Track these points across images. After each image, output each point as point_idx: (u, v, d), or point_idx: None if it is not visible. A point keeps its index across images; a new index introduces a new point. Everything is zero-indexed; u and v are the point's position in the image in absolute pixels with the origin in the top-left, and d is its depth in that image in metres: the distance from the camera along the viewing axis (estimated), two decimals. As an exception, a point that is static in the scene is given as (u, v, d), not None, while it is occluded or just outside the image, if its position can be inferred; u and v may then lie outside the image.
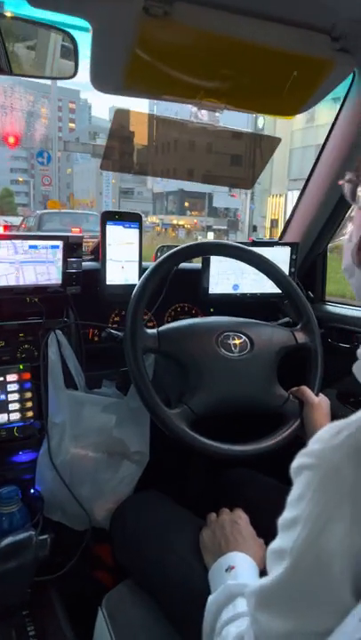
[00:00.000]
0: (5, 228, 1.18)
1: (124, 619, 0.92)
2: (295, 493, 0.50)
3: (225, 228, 32.08)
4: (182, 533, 0.99)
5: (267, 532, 0.61)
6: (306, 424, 1.08)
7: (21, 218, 15.58)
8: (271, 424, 1.09)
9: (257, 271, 1.21)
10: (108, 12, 0.95)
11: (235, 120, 1.42)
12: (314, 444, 0.50)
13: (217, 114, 1.18)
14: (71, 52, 1.00)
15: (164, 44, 1.04)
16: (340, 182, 0.63)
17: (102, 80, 1.14)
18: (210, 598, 0.75)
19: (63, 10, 0.96)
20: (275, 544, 0.53)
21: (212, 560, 0.87)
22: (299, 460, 0.51)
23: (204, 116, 1.17)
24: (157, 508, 1.09)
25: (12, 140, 21.55)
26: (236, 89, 1.15)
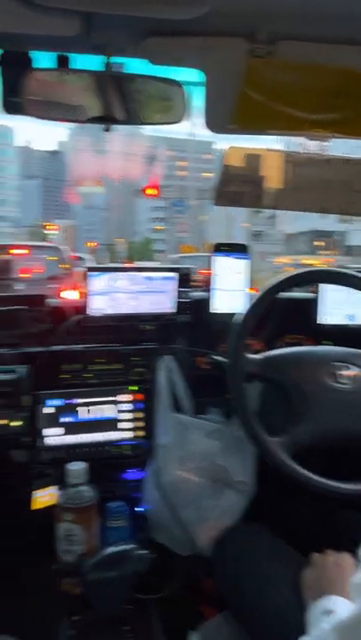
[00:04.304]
0: (125, 262, 1.31)
1: None
2: None
3: (361, 267, 30.49)
4: (283, 568, 0.97)
5: None
6: None
7: (158, 263, 16.57)
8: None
9: None
10: (220, 60, 1.04)
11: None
12: None
13: (325, 143, 1.19)
14: (178, 100, 1.10)
15: (271, 81, 1.10)
16: None
17: (216, 122, 1.22)
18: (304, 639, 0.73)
19: (182, 65, 1.07)
20: (358, 577, 0.50)
21: (313, 600, 0.84)
22: None
23: (311, 146, 1.18)
24: (260, 540, 1.07)
25: (153, 191, 23.26)
26: (343, 117, 1.15)
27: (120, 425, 1.24)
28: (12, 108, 0.99)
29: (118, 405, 1.25)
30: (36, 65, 1.01)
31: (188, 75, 1.12)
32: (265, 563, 0.99)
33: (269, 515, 1.21)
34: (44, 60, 1.01)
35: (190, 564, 1.19)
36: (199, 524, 1.20)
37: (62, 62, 1.03)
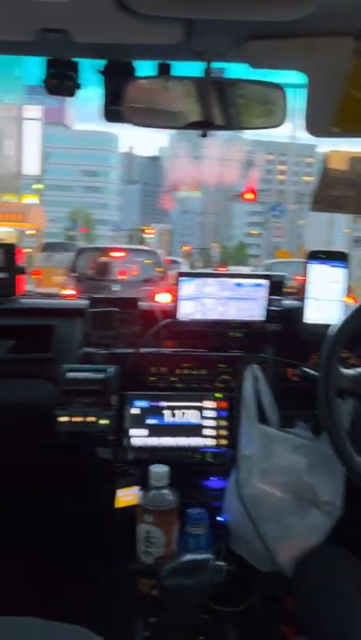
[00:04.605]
0: (219, 266, 1.30)
1: None
2: None
3: None
4: None
5: None
6: None
7: (251, 268, 16.37)
8: None
9: None
10: (323, 61, 1.00)
11: None
12: None
13: None
14: (279, 104, 1.07)
15: None
16: None
17: (318, 125, 1.18)
18: None
19: (282, 67, 1.05)
20: None
21: None
22: None
23: None
24: (344, 565, 1.02)
25: (250, 195, 23.13)
26: None
27: (204, 431, 1.24)
28: (114, 116, 1.03)
29: (203, 412, 1.24)
30: (137, 74, 1.03)
31: (287, 77, 1.10)
32: (349, 589, 0.95)
33: (356, 538, 1.14)
34: (145, 68, 1.03)
35: (270, 581, 1.15)
36: (281, 541, 1.15)
37: (163, 70, 1.05)
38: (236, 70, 1.08)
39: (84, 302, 1.38)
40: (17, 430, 1.33)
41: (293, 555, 1.11)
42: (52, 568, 1.41)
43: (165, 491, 1.13)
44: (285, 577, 1.12)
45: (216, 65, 1.05)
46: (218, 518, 1.23)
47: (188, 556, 1.05)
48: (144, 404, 1.24)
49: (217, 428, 1.24)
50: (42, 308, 1.46)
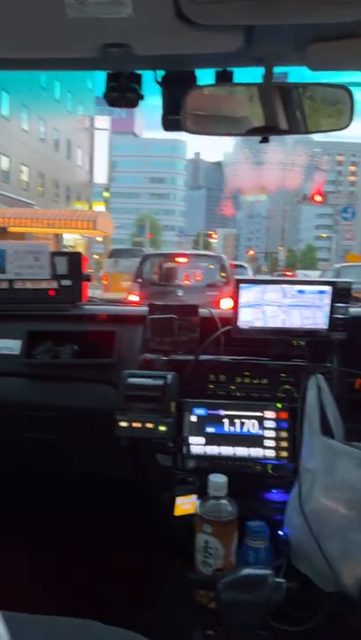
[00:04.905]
0: (286, 270, 1.27)
1: None
2: None
3: None
4: None
5: None
6: None
7: (320, 272, 15.92)
8: None
9: None
10: None
11: None
12: None
13: None
14: (346, 104, 1.03)
15: None
16: None
17: None
18: None
19: (343, 68, 1.01)
20: None
21: None
22: None
23: None
24: None
25: (318, 197, 22.59)
26: None
27: (264, 442, 1.21)
28: (172, 125, 1.03)
29: (264, 422, 1.21)
30: (197, 82, 1.03)
31: (349, 77, 1.06)
32: None
33: None
34: (203, 76, 1.03)
35: (334, 601, 1.09)
36: (345, 559, 1.10)
37: (223, 77, 1.04)
38: (295, 73, 1.06)
39: (144, 309, 1.40)
40: (78, 433, 1.37)
41: (359, 575, 1.06)
42: (110, 572, 1.43)
43: (224, 501, 1.11)
44: (351, 597, 1.07)
45: (278, 69, 1.03)
46: (279, 532, 1.19)
47: (247, 570, 1.02)
48: (203, 411, 1.23)
49: (278, 439, 1.20)
50: (104, 315, 1.50)
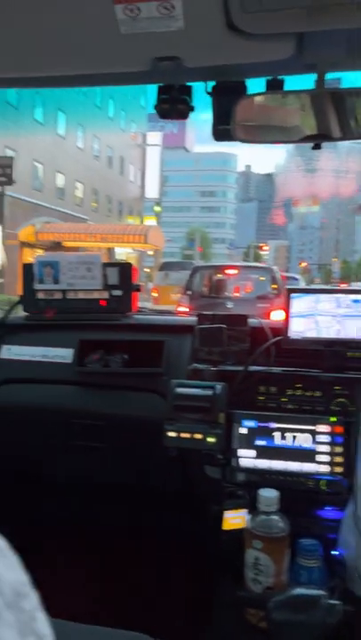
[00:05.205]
0: (340, 282, 1.24)
1: None
2: None
3: None
4: None
5: None
6: None
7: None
8: None
9: None
10: None
11: None
12: None
13: None
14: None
15: None
16: None
17: None
18: None
19: None
20: None
21: None
22: None
23: None
24: None
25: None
26: None
27: (317, 457, 1.16)
28: (223, 135, 1.03)
29: (316, 436, 1.17)
30: (247, 91, 1.03)
31: None
32: None
33: None
34: (254, 85, 1.02)
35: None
36: None
37: (274, 85, 1.03)
38: (349, 78, 1.04)
39: (193, 319, 1.40)
40: (127, 442, 1.37)
41: None
42: (156, 584, 1.42)
43: (275, 517, 1.08)
44: None
45: (331, 75, 1.01)
46: (333, 552, 1.14)
47: (300, 590, 0.98)
48: (253, 423, 1.21)
49: (332, 454, 1.16)
50: (153, 324, 1.51)
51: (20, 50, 0.97)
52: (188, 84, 1.04)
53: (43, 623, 0.22)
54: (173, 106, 1.04)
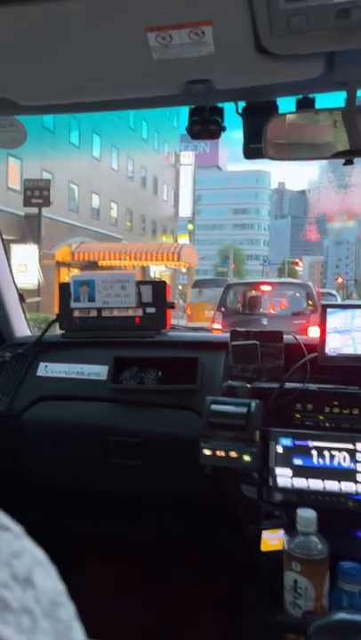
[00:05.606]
0: None
1: None
2: None
3: None
4: None
5: None
6: None
7: None
8: None
9: None
10: None
11: None
12: None
13: None
14: None
15: None
16: None
17: None
18: None
19: None
20: None
21: None
22: None
23: None
24: None
25: None
26: None
27: (358, 477, 1.13)
28: (253, 153, 1.04)
29: (356, 455, 1.14)
30: (278, 110, 1.04)
31: None
32: None
33: None
34: (285, 103, 1.03)
35: None
36: None
37: (305, 104, 1.04)
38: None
39: (227, 335, 1.39)
40: (162, 459, 1.37)
41: None
42: (194, 605, 1.40)
43: (314, 538, 1.05)
44: None
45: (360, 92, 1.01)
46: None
47: (341, 614, 0.95)
48: (289, 442, 1.19)
49: (372, 473, 1.13)
50: (187, 341, 1.51)
51: (62, 79, 1.01)
52: (219, 104, 1.06)
53: (78, 633, 0.23)
54: (205, 127, 1.06)
